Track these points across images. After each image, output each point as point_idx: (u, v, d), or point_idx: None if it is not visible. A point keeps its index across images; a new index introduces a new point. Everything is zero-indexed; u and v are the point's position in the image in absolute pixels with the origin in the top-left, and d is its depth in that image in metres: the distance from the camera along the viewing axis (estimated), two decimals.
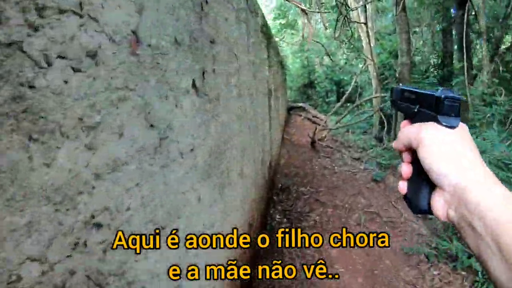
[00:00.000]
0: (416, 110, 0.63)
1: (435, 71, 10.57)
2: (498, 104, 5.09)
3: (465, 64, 6.27)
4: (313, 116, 14.08)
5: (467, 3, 6.64)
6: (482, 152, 3.95)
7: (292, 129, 12.38)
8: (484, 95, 5.80)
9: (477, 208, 0.48)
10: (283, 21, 19.09)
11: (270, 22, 22.38)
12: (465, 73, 6.27)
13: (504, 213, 0.45)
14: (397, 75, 10.25)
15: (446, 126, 0.56)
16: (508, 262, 0.42)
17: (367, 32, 10.65)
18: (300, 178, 6.93)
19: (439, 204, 0.55)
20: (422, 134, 0.57)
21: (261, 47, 4.23)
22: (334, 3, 11.55)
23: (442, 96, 0.57)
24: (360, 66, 14.10)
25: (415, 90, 0.65)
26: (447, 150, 0.54)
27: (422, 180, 0.58)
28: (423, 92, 0.62)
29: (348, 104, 15.18)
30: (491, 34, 8.43)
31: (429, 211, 0.59)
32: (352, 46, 14.44)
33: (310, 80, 20.07)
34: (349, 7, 11.34)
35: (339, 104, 11.40)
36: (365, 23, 10.60)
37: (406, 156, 0.63)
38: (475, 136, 4.21)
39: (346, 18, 9.79)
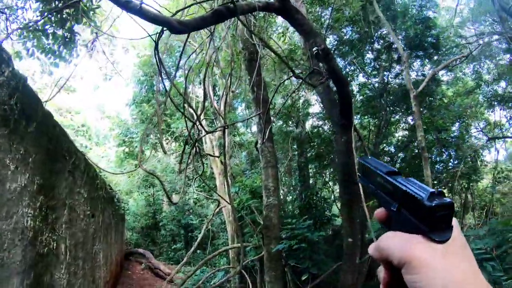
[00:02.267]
0: (395, 210, 0.53)
1: (305, 212, 8.84)
2: None
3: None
4: (155, 268, 11.02)
5: (351, 130, 5.11)
6: None
7: (128, 286, 9.01)
8: None
9: None
10: (127, 149, 16.26)
11: (112, 150, 19.36)
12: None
13: None
14: (261, 220, 8.06)
15: (440, 242, 0.48)
16: None
17: (224, 167, 8.59)
18: None
19: None
20: (411, 253, 0.48)
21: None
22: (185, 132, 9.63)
23: (433, 204, 0.48)
24: (213, 207, 11.89)
25: (393, 181, 0.54)
26: (440, 274, 0.46)
27: None
28: (406, 190, 0.51)
29: (198, 252, 12.25)
30: None
31: None
32: (203, 184, 12.34)
33: (155, 221, 16.88)
34: (199, 141, 9.48)
35: (184, 260, 8.38)
36: (222, 158, 8.60)
37: (385, 268, 0.54)
38: None
39: (197, 150, 7.61)
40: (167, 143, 14.76)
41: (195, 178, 9.96)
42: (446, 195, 0.51)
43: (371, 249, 0.55)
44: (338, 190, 9.50)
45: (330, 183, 11.68)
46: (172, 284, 9.12)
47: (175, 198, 17.43)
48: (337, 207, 8.76)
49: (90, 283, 4.59)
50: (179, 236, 15.08)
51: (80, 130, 14.19)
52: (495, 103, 11.83)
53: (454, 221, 0.51)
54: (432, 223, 0.48)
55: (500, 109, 12.24)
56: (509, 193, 13.27)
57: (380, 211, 0.58)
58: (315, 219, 8.20)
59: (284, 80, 6.43)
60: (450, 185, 11.33)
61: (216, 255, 8.89)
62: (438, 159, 11.29)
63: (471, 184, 11.61)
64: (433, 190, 0.49)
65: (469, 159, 11.20)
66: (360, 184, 4.96)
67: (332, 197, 11.12)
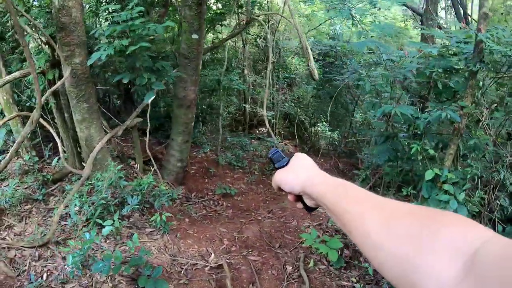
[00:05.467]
0: (273, 167, 0.98)
1: None
2: None
3: None
4: None
5: None
6: None
7: None
8: None
9: (316, 197, 0.79)
10: None
11: None
12: None
13: (322, 192, 0.76)
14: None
15: (280, 167, 0.94)
16: (341, 222, 0.67)
17: None
18: None
19: (307, 201, 0.88)
20: (275, 180, 0.93)
21: None
22: None
23: (269, 155, 0.96)
24: None
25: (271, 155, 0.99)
26: (285, 181, 0.90)
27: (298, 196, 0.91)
28: (270, 156, 0.98)
29: None
30: None
31: (312, 208, 0.90)
32: None
33: None
34: None
35: None
36: None
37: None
38: None
39: None
40: None
41: None
42: None
43: (275, 189, 0.98)
44: None
45: None
46: None
47: None
48: None
49: None
50: None
51: None
52: None
53: (299, 155, 0.94)
54: (274, 161, 0.95)
55: None
56: None
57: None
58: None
59: None
60: None
61: None
62: None
63: None
64: (275, 149, 0.98)
65: None
66: None
67: None
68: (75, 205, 4.19)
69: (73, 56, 4.37)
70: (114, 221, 4.04)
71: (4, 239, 4.61)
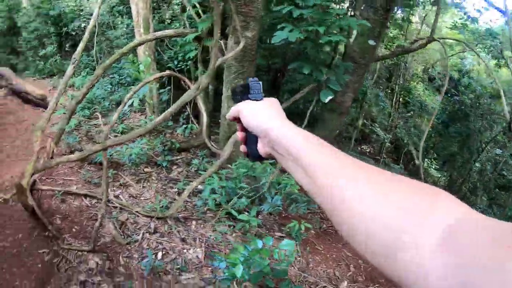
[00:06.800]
0: (240, 97, 0.85)
1: None
2: None
3: None
4: (24, 92, 6.64)
5: None
6: None
7: None
8: None
9: (280, 142, 0.68)
10: None
11: None
12: None
13: (297, 142, 0.64)
14: None
15: (253, 100, 0.81)
16: (304, 172, 0.60)
17: None
18: None
19: (261, 147, 0.77)
20: (240, 107, 0.81)
21: None
22: None
23: (249, 81, 0.83)
24: None
25: (243, 84, 0.85)
26: (254, 112, 0.78)
27: (250, 137, 0.80)
28: (244, 84, 0.84)
29: (82, 55, 7.90)
30: None
31: (259, 156, 0.78)
32: None
33: (13, 22, 10.64)
34: None
35: (68, 73, 4.27)
36: None
37: (239, 126, 0.85)
38: None
39: None
40: None
41: None
42: None
43: (227, 116, 0.86)
44: None
45: None
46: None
47: None
48: None
49: None
50: (48, 37, 9.75)
51: None
52: None
53: (273, 99, 0.81)
54: (250, 91, 0.81)
55: None
56: None
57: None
58: None
59: None
60: None
61: (118, 58, 4.96)
62: None
63: None
64: (254, 78, 0.83)
65: None
66: None
67: None
68: (211, 187, 3.84)
69: (246, 29, 4.02)
70: (250, 217, 3.64)
71: (117, 197, 4.40)
